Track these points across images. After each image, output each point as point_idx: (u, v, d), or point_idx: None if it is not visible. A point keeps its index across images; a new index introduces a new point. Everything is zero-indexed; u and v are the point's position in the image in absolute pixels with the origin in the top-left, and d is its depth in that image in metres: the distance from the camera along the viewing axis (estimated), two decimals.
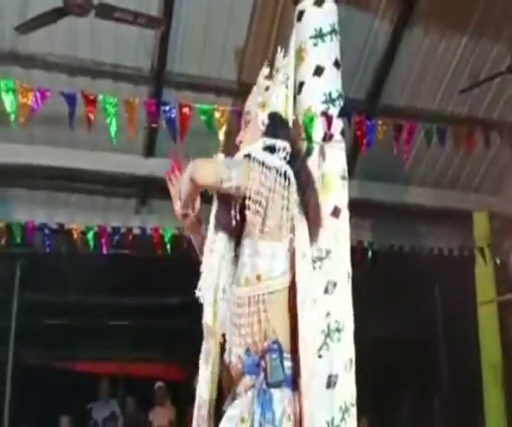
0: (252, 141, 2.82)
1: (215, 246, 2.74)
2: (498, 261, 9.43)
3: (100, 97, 5.38)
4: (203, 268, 2.75)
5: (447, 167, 9.30)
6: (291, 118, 2.96)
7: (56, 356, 10.90)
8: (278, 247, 2.63)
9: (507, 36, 8.11)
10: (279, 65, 2.95)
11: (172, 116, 5.61)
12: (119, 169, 8.10)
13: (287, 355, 2.55)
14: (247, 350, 2.59)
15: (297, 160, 2.78)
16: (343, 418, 5.35)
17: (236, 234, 2.77)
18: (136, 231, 8.33)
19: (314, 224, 2.75)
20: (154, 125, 6.41)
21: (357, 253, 8.29)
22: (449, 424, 9.34)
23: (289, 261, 2.63)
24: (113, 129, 5.40)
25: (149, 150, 8.18)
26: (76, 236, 7.91)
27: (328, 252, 5.60)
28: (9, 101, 5.06)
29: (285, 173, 2.62)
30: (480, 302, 9.29)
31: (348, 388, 5.45)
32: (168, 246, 7.77)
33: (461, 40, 8.28)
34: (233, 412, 2.60)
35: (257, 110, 2.88)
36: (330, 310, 5.49)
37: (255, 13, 7.57)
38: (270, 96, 2.89)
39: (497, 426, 8.76)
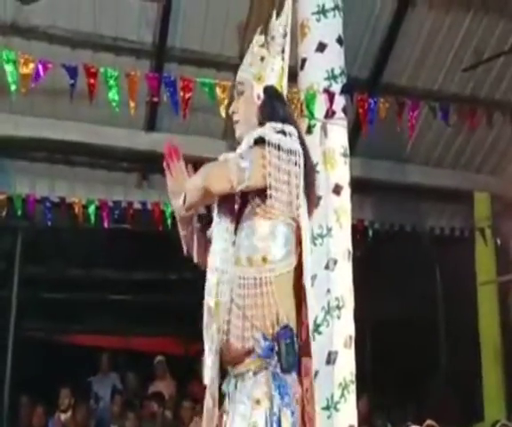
0: (247, 114, 2.78)
1: (217, 231, 2.69)
2: (498, 242, 9.40)
3: (102, 70, 5.37)
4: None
5: (449, 147, 9.25)
6: (285, 92, 2.89)
7: (56, 329, 10.94)
8: (278, 225, 2.59)
9: None
10: (275, 33, 2.87)
11: (174, 90, 5.60)
12: (120, 143, 8.05)
13: (296, 339, 2.53)
14: (263, 335, 2.53)
15: (301, 139, 2.71)
16: (343, 395, 5.40)
17: (238, 216, 2.72)
18: (137, 206, 8.33)
19: (311, 204, 2.71)
20: (155, 100, 6.37)
21: (358, 231, 8.28)
22: (448, 405, 9.34)
23: (294, 240, 2.61)
24: (114, 102, 5.39)
25: (150, 125, 8.13)
26: (77, 209, 7.91)
27: (329, 229, 5.61)
28: (10, 72, 5.05)
29: (298, 153, 2.56)
30: (480, 283, 9.27)
31: (347, 365, 5.48)
32: (169, 222, 7.74)
33: (465, 18, 8.21)
34: (242, 395, 2.56)
35: (252, 82, 2.80)
36: (330, 287, 5.52)
37: None
38: (265, 68, 2.80)
39: (496, 407, 8.75)
